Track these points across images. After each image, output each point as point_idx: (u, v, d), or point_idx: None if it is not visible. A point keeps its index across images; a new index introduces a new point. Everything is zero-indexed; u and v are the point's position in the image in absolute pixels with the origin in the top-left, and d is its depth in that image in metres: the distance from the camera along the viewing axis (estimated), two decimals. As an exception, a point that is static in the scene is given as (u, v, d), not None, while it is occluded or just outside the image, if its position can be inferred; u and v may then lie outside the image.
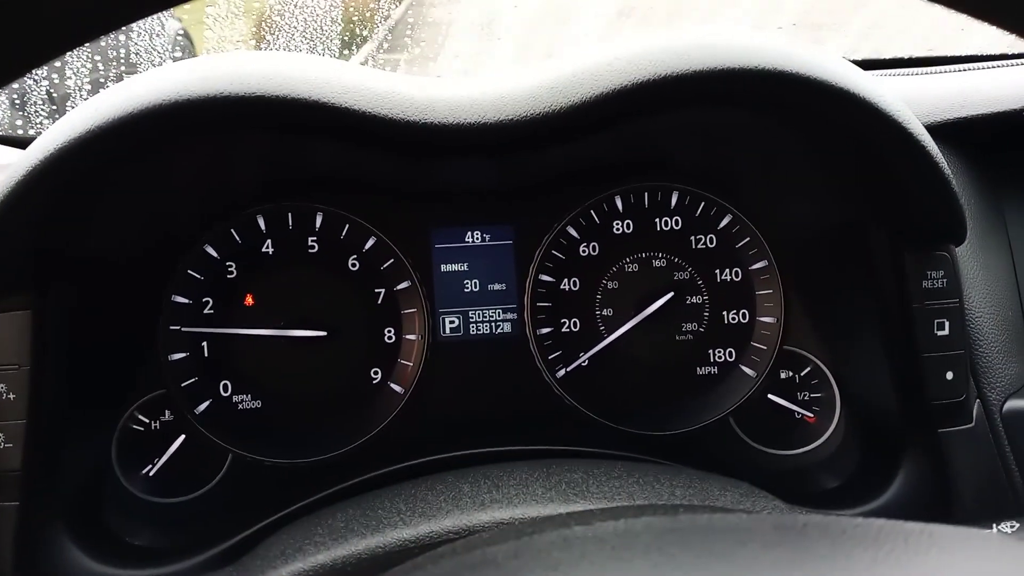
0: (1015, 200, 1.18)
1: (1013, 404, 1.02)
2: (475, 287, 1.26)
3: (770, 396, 1.22)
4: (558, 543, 0.48)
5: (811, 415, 1.22)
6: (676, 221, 1.24)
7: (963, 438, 0.99)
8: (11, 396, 0.94)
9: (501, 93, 0.89)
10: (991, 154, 1.17)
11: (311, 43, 1.56)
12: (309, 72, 0.86)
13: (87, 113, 0.81)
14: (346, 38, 1.63)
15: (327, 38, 1.54)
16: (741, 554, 0.43)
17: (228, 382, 1.19)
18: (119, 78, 1.52)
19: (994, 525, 0.72)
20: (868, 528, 0.45)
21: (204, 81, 0.81)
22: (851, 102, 0.85)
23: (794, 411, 1.22)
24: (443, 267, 1.25)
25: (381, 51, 1.71)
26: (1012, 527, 0.71)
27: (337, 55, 1.71)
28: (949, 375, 0.98)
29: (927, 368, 0.98)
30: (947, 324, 0.99)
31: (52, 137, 0.83)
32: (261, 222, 1.19)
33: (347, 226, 1.20)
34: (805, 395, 1.23)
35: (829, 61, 0.89)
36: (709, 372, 1.24)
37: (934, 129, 1.13)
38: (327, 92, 0.84)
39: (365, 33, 1.65)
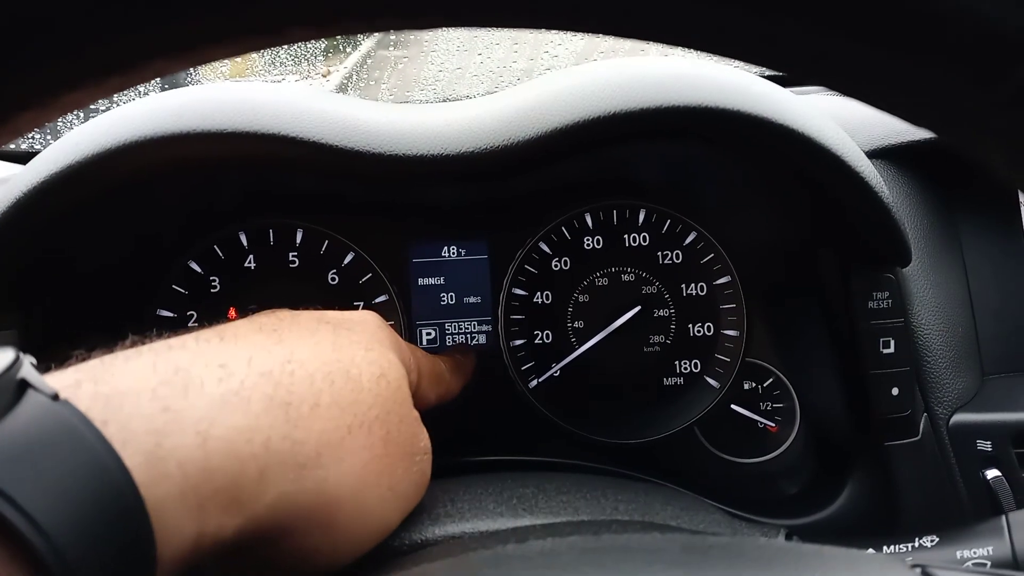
0: (970, 220, 1.23)
1: (960, 418, 1.07)
2: (451, 300, 1.30)
3: (733, 406, 1.26)
4: (489, 561, 0.52)
5: (773, 424, 1.27)
6: (644, 237, 1.28)
7: (909, 450, 1.04)
8: None
9: (464, 125, 0.94)
10: (946, 174, 1.21)
11: (296, 59, 1.60)
12: (280, 104, 0.90)
13: (67, 148, 0.86)
14: (330, 53, 1.67)
15: (311, 54, 1.58)
16: (646, 572, 0.47)
17: (211, 393, 1.24)
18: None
19: (916, 539, 0.76)
20: (765, 550, 0.50)
21: (176, 117, 0.86)
22: (785, 134, 0.90)
23: (756, 421, 1.27)
24: (420, 281, 1.30)
25: (364, 66, 1.75)
26: (932, 541, 0.75)
27: (323, 70, 1.75)
28: (895, 391, 1.03)
29: (873, 384, 1.03)
30: (892, 342, 1.03)
31: (33, 171, 0.88)
32: (243, 239, 1.24)
33: (326, 242, 1.25)
34: (768, 405, 1.27)
35: (764, 92, 0.94)
36: (675, 383, 1.29)
37: (888, 152, 1.18)
38: (295, 126, 0.88)
39: (349, 49, 1.69)
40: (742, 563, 0.48)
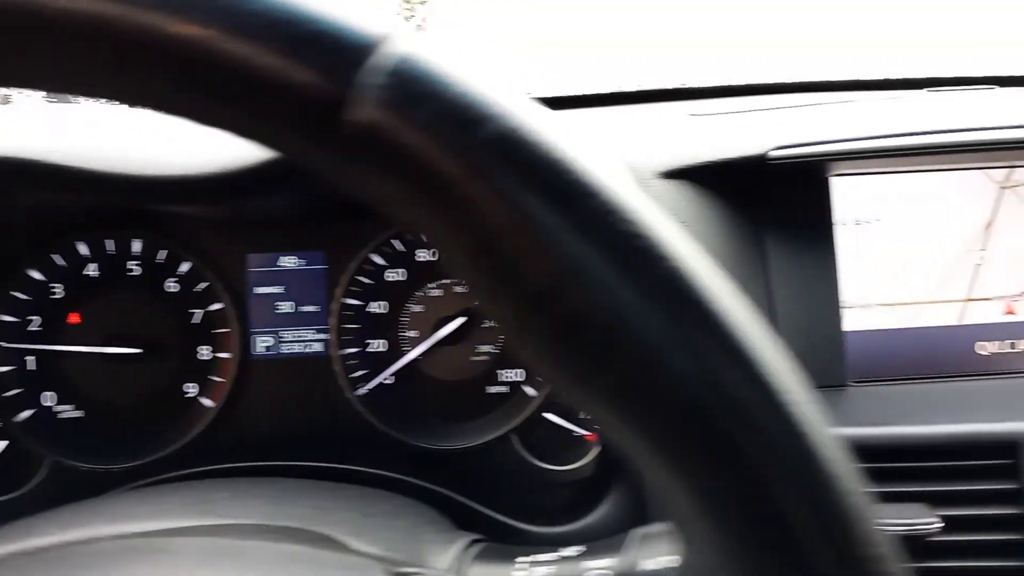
0: (777, 239, 1.25)
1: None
2: (290, 309, 1.36)
3: (544, 414, 1.31)
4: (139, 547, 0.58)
5: (590, 433, 1.31)
6: (468, 251, 1.33)
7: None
8: None
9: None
10: (754, 193, 1.24)
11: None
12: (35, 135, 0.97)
13: None
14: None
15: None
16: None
17: (53, 393, 1.31)
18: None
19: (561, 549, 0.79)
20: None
21: None
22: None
23: (571, 429, 1.31)
24: (257, 289, 1.35)
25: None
26: (579, 551, 0.78)
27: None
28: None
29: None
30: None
31: None
32: (82, 248, 1.30)
33: (165, 252, 1.31)
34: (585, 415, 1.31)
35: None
36: (498, 391, 1.34)
37: (688, 172, 1.21)
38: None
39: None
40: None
